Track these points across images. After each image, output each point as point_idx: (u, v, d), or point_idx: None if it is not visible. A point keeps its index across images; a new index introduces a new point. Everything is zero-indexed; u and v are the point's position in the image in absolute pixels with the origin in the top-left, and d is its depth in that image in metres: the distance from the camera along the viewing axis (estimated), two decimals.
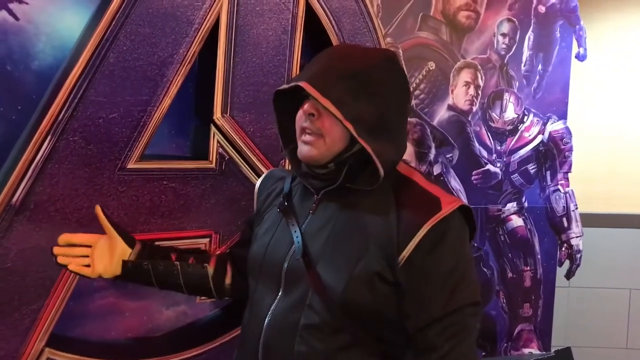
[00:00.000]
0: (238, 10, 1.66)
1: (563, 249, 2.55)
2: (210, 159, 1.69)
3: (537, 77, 2.42)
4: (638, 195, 3.25)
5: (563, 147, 2.49)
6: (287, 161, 1.75)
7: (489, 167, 2.35)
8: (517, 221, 2.45)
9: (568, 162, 2.51)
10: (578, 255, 2.58)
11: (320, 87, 1.07)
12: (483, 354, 2.43)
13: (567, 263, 2.60)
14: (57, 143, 1.46)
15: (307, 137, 1.12)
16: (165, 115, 1.60)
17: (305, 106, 1.12)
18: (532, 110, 2.43)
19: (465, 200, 2.21)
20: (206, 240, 1.71)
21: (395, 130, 1.15)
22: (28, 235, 1.46)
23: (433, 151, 2.20)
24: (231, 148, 1.70)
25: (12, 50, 1.42)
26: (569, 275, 2.64)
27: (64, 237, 1.30)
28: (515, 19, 2.33)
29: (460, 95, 2.25)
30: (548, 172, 2.49)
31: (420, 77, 2.16)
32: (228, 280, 1.39)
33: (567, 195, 2.51)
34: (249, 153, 1.72)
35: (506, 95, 2.36)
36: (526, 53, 2.38)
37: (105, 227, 1.31)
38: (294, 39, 1.76)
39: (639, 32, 3.26)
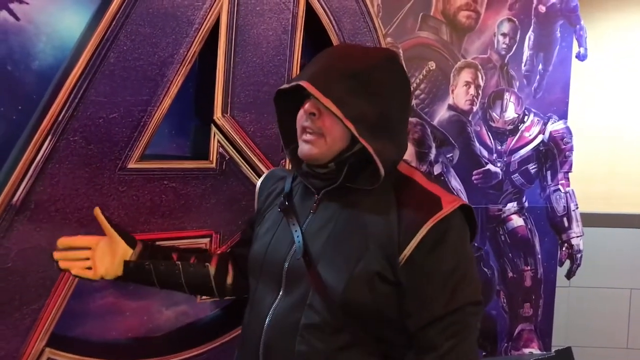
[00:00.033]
0: (238, 10, 1.66)
1: (563, 248, 2.55)
2: (211, 159, 1.69)
3: (538, 76, 2.42)
4: (638, 195, 3.25)
5: (563, 146, 2.49)
6: (287, 161, 1.76)
7: (490, 166, 2.35)
8: (517, 221, 2.45)
9: (568, 161, 2.51)
10: (578, 255, 2.58)
11: (321, 86, 1.08)
12: (483, 353, 2.43)
13: (567, 263, 2.60)
14: (58, 143, 1.46)
15: (307, 136, 1.13)
16: (165, 115, 1.60)
17: (306, 105, 1.12)
18: (533, 110, 2.43)
19: (466, 200, 2.20)
20: (206, 240, 1.71)
21: (396, 129, 1.15)
22: (28, 235, 1.46)
23: (433, 151, 2.20)
24: (231, 148, 1.70)
25: (12, 50, 1.42)
26: (570, 275, 2.64)
27: (63, 241, 1.29)
28: (515, 19, 2.33)
29: (460, 95, 2.25)
30: (548, 172, 2.49)
31: (421, 77, 2.16)
32: (229, 279, 1.39)
33: (568, 195, 2.51)
34: (249, 153, 1.72)
35: (506, 95, 2.36)
36: (526, 53, 2.38)
37: (105, 229, 1.30)
38: (295, 39, 1.76)
39: None
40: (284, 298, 1.16)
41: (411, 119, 2.11)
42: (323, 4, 1.80)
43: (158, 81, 1.57)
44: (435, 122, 2.21)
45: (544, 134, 2.45)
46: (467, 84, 2.26)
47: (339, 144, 1.12)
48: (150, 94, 1.57)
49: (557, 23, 2.43)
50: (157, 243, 1.48)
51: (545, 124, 2.45)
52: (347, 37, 1.86)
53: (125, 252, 1.31)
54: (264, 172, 1.60)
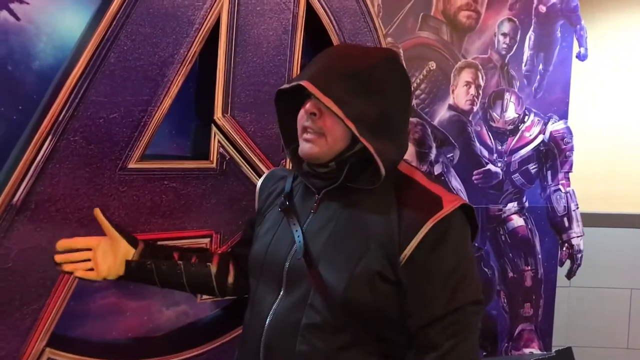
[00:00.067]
0: (239, 10, 1.66)
1: (564, 248, 2.55)
2: (211, 159, 1.69)
3: (538, 76, 2.42)
4: (639, 195, 3.24)
5: (564, 146, 2.49)
6: (287, 161, 1.76)
7: (490, 166, 2.35)
8: (518, 221, 2.45)
9: (569, 161, 2.51)
10: (579, 255, 2.58)
11: (322, 86, 1.08)
12: (484, 353, 2.43)
13: (568, 263, 2.59)
14: (58, 143, 1.46)
15: (308, 135, 1.13)
16: (166, 115, 1.60)
17: (307, 105, 1.12)
18: (533, 110, 2.43)
19: (466, 200, 2.20)
20: (207, 240, 1.71)
21: (397, 129, 1.15)
22: (29, 235, 1.46)
23: (434, 151, 2.20)
24: (232, 148, 1.70)
25: (13, 50, 1.42)
26: (570, 275, 2.64)
27: (63, 243, 1.29)
28: (515, 19, 2.33)
29: (461, 95, 2.25)
30: (549, 172, 2.49)
31: (421, 77, 2.16)
32: (231, 279, 1.39)
33: (568, 195, 2.51)
34: (249, 153, 1.72)
35: (507, 95, 2.36)
36: (527, 53, 2.38)
37: (106, 229, 1.30)
38: (295, 39, 1.76)
39: None
40: (284, 298, 1.16)
41: (411, 119, 2.11)
42: (323, 4, 1.80)
43: (158, 81, 1.57)
44: (435, 122, 2.21)
45: (544, 134, 2.45)
46: (468, 84, 2.26)
47: (340, 143, 1.12)
48: (151, 94, 1.57)
49: (557, 23, 2.43)
50: (159, 242, 1.48)
51: (545, 124, 2.45)
52: (348, 37, 1.86)
53: (127, 251, 1.30)
54: (264, 172, 1.60)
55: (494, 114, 2.35)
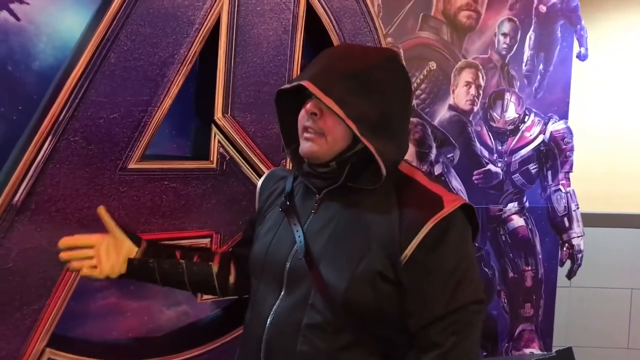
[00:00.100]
0: (239, 10, 1.66)
1: (564, 248, 2.55)
2: (211, 159, 1.69)
3: (538, 76, 2.42)
4: (639, 195, 3.24)
5: (564, 146, 2.49)
6: (287, 161, 1.76)
7: (490, 167, 2.35)
8: (518, 221, 2.45)
9: (569, 161, 2.51)
10: (579, 255, 2.57)
11: (323, 86, 1.08)
12: (484, 354, 2.43)
13: (568, 263, 2.59)
14: (58, 143, 1.46)
15: (308, 135, 1.13)
16: (166, 115, 1.60)
17: (308, 105, 1.12)
18: (533, 110, 2.43)
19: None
20: (207, 240, 1.71)
21: (397, 129, 1.15)
22: (29, 236, 1.46)
23: (434, 151, 2.20)
24: (232, 148, 1.70)
25: (13, 51, 1.42)
26: (570, 275, 2.64)
27: (65, 241, 1.28)
28: (516, 19, 2.33)
29: (461, 95, 2.25)
30: (549, 172, 2.48)
31: (421, 77, 2.16)
32: (232, 278, 1.39)
33: (569, 195, 2.51)
34: (249, 153, 1.72)
35: (507, 95, 2.36)
36: (527, 53, 2.38)
37: (110, 227, 1.30)
38: (295, 39, 1.76)
39: None
40: (285, 298, 1.16)
41: (412, 119, 2.11)
42: (323, 4, 1.80)
43: (158, 81, 1.57)
44: (435, 122, 2.21)
45: (544, 134, 2.45)
46: (468, 84, 2.26)
47: (340, 143, 1.12)
48: (151, 94, 1.57)
49: (557, 23, 2.43)
50: (161, 241, 1.48)
51: (545, 124, 2.45)
52: (348, 37, 1.86)
53: (129, 250, 1.30)
54: (264, 173, 1.59)
55: (494, 114, 2.35)
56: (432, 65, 2.17)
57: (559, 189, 2.50)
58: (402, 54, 2.05)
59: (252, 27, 1.69)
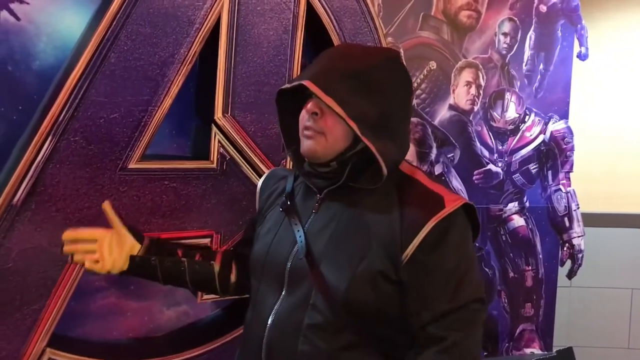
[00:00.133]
0: (239, 10, 1.66)
1: (565, 248, 2.55)
2: (211, 159, 1.69)
3: (539, 76, 2.42)
4: None
5: (564, 146, 2.48)
6: (288, 161, 1.76)
7: (491, 166, 2.35)
8: (518, 221, 2.44)
9: (569, 161, 2.51)
10: (580, 255, 2.57)
11: (324, 86, 1.08)
12: (485, 353, 2.43)
13: (568, 263, 2.59)
14: (58, 143, 1.46)
15: (308, 132, 1.13)
16: (166, 115, 1.60)
17: (309, 105, 1.12)
18: (534, 109, 2.43)
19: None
20: (207, 240, 1.71)
21: (398, 129, 1.15)
22: (29, 236, 1.46)
23: (434, 151, 2.20)
24: (232, 148, 1.70)
25: (13, 51, 1.42)
26: (571, 275, 2.64)
27: (69, 234, 1.28)
28: (516, 19, 2.33)
29: (461, 94, 2.25)
30: (549, 172, 2.48)
31: (422, 76, 2.16)
32: (233, 278, 1.39)
33: (569, 194, 2.51)
34: (250, 153, 1.72)
35: (507, 95, 2.36)
36: (527, 52, 2.37)
37: (114, 223, 1.30)
38: (295, 39, 1.76)
39: None
40: (286, 298, 1.15)
41: (412, 119, 2.11)
42: (324, 3, 1.80)
43: (159, 81, 1.57)
44: (436, 122, 2.21)
45: (545, 133, 2.45)
46: (468, 83, 2.25)
47: (341, 143, 1.12)
48: (151, 94, 1.57)
49: (558, 23, 2.42)
50: (163, 238, 1.47)
51: (546, 124, 2.45)
52: (348, 37, 1.85)
53: (132, 246, 1.30)
54: (264, 173, 1.59)
55: (495, 113, 2.34)
56: (433, 64, 2.17)
57: (560, 189, 2.50)
58: (402, 54, 2.05)
59: (253, 26, 1.69)
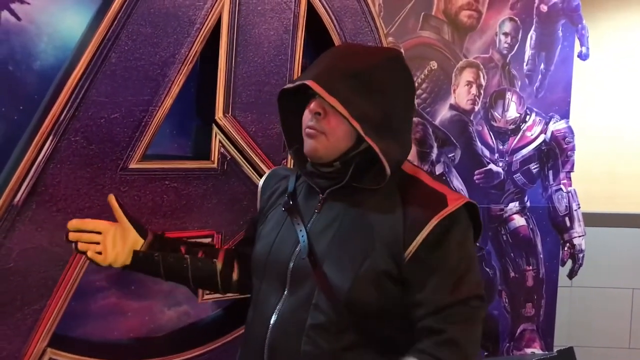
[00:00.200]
0: (240, 9, 1.66)
1: (565, 248, 2.55)
2: (212, 159, 1.69)
3: (540, 76, 2.42)
4: None
5: (565, 146, 2.48)
6: (288, 161, 1.76)
7: (491, 166, 2.35)
8: (519, 221, 2.44)
9: (570, 161, 2.51)
10: (581, 255, 2.57)
11: (327, 85, 1.08)
12: (485, 353, 2.42)
13: (569, 262, 2.59)
14: (59, 143, 1.46)
15: (311, 132, 1.13)
16: (167, 115, 1.60)
17: (312, 105, 1.12)
18: (535, 109, 2.43)
19: None
20: (208, 240, 1.71)
21: (400, 129, 1.15)
22: (30, 236, 1.46)
23: (435, 151, 2.20)
24: (233, 148, 1.70)
25: (14, 51, 1.42)
26: (572, 274, 2.63)
27: (74, 223, 1.27)
28: (517, 18, 2.32)
29: (462, 94, 2.25)
30: (550, 172, 2.48)
31: (422, 76, 2.16)
32: (235, 275, 1.39)
33: (570, 194, 2.51)
34: (250, 153, 1.72)
35: (508, 95, 2.36)
36: (528, 52, 2.37)
37: (119, 217, 1.29)
38: (296, 39, 1.75)
39: None
40: (288, 298, 1.15)
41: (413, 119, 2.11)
42: (324, 3, 1.79)
43: (159, 81, 1.57)
44: (437, 122, 2.21)
45: (545, 133, 2.45)
46: (469, 83, 2.25)
47: (344, 143, 1.12)
48: (152, 93, 1.57)
49: (559, 22, 2.42)
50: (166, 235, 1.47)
51: (547, 124, 2.45)
52: (349, 37, 1.85)
53: (135, 241, 1.30)
54: (265, 172, 1.59)
55: (496, 113, 2.34)
56: (433, 64, 2.17)
57: (560, 189, 2.50)
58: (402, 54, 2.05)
59: (253, 26, 1.69)
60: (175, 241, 1.39)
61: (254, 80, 1.71)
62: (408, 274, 1.10)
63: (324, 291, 1.11)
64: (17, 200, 1.43)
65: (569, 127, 2.48)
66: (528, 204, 2.45)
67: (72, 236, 1.26)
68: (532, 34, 2.37)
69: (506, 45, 2.32)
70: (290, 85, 1.16)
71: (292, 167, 1.70)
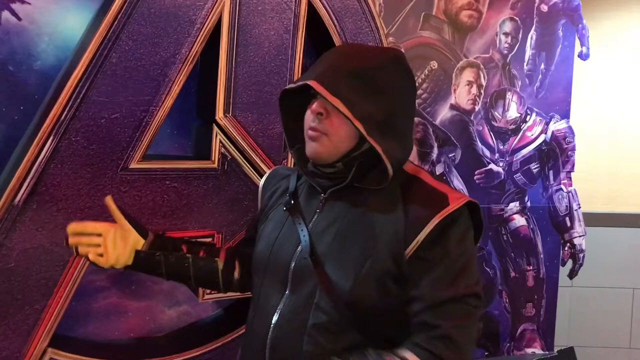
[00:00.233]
0: (240, 9, 1.66)
1: (566, 248, 2.55)
2: (213, 159, 1.69)
3: (540, 76, 2.42)
4: None
5: (566, 146, 2.48)
6: (289, 161, 1.75)
7: (492, 166, 2.35)
8: (519, 221, 2.44)
9: (571, 161, 2.51)
10: (581, 255, 2.57)
11: (329, 86, 1.07)
12: (486, 353, 2.42)
13: (570, 262, 2.59)
14: (60, 143, 1.46)
15: (314, 133, 1.12)
16: (167, 115, 1.60)
17: (314, 105, 1.12)
18: (535, 109, 2.43)
19: None
20: (209, 240, 1.71)
21: (402, 129, 1.15)
22: (31, 236, 1.46)
23: (435, 151, 2.20)
24: (233, 148, 1.70)
25: (14, 51, 1.43)
26: (572, 274, 2.63)
27: (73, 227, 1.27)
28: (517, 18, 2.32)
29: (462, 94, 2.25)
30: (551, 172, 2.48)
31: (423, 76, 2.16)
32: (236, 274, 1.39)
33: (570, 194, 2.51)
34: (251, 153, 1.72)
35: (509, 95, 2.36)
36: (529, 52, 2.37)
37: (118, 218, 1.29)
38: (296, 39, 1.75)
39: None
40: (290, 297, 1.15)
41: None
42: (325, 3, 1.79)
43: (160, 81, 1.57)
44: (437, 122, 2.21)
45: (546, 133, 2.45)
46: (469, 83, 2.25)
47: (346, 143, 1.12)
48: (152, 93, 1.57)
49: (559, 22, 2.42)
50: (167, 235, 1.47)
51: (547, 124, 2.45)
52: (349, 37, 1.85)
53: (136, 241, 1.29)
54: (265, 172, 1.59)
55: (496, 113, 2.34)
56: (434, 64, 2.17)
57: (561, 189, 2.50)
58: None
59: (254, 26, 1.69)
60: (176, 240, 1.39)
61: (255, 80, 1.71)
62: (407, 271, 1.10)
63: (326, 291, 1.11)
64: (17, 201, 1.43)
65: (570, 127, 2.48)
66: (528, 204, 2.45)
67: (71, 240, 1.26)
68: (532, 34, 2.37)
69: (506, 45, 2.32)
70: (292, 85, 1.16)
71: (292, 166, 1.70)
